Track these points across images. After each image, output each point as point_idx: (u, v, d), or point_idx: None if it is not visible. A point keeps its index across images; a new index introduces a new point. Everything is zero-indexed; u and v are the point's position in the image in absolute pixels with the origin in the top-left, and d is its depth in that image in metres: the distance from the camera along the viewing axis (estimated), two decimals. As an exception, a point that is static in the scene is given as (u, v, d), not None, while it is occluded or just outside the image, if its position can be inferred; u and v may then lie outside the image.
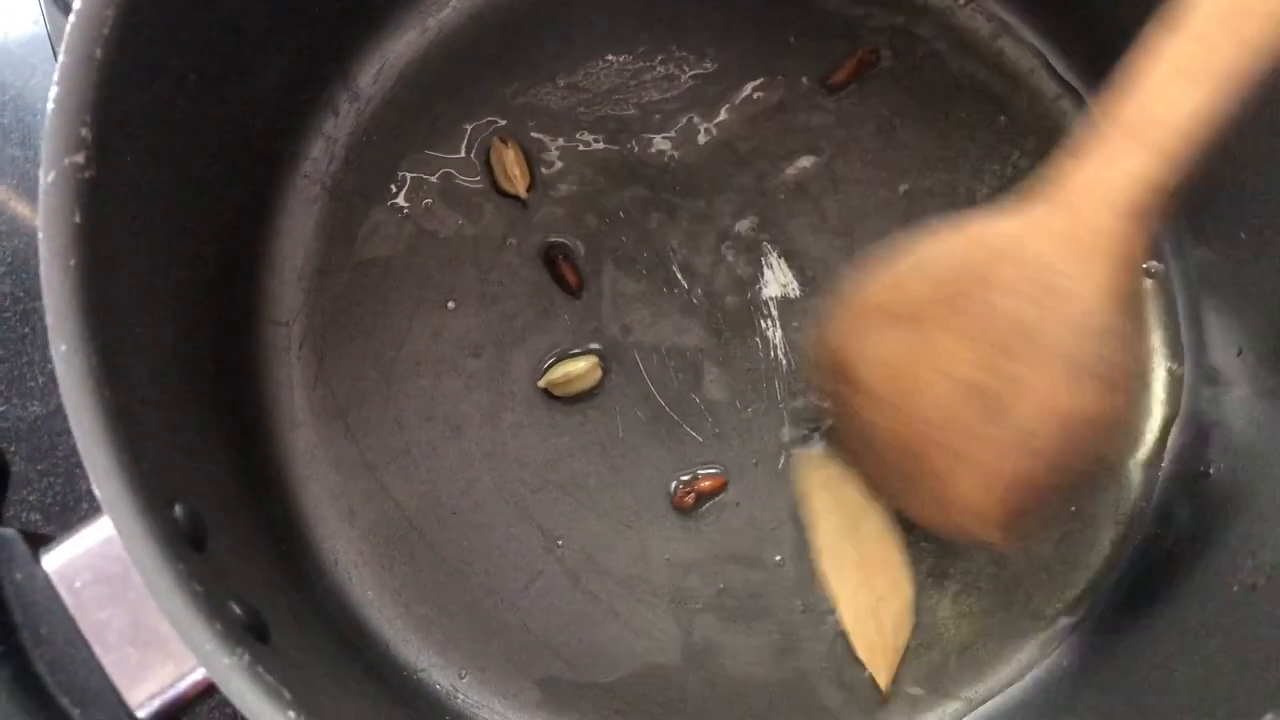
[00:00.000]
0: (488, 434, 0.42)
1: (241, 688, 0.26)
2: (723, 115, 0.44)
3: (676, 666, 0.41)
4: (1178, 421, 0.44)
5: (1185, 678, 0.36)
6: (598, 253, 0.44)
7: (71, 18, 0.28)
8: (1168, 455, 0.43)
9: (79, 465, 0.25)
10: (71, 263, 0.27)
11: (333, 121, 0.43)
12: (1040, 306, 0.33)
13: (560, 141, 0.44)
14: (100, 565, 0.27)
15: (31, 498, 0.45)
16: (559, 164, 0.44)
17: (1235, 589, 0.36)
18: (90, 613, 0.27)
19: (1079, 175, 0.33)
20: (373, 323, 0.43)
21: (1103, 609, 0.42)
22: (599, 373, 0.42)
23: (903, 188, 0.44)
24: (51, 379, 0.29)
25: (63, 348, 0.26)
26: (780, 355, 0.43)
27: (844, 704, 0.41)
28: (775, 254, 0.44)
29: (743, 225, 0.44)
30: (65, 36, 0.27)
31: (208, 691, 0.27)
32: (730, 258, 0.44)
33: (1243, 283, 0.42)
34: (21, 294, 0.47)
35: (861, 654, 0.41)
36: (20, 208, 0.48)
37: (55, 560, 0.27)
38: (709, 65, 0.45)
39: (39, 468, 0.45)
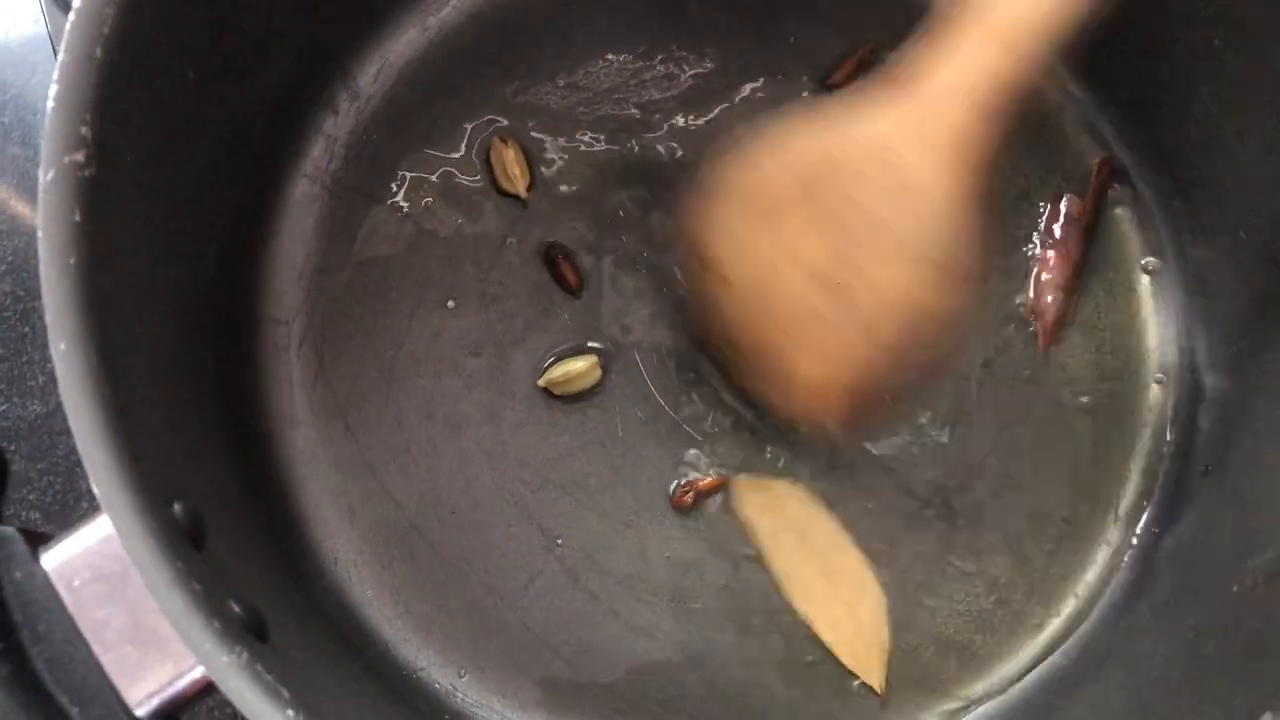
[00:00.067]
0: (487, 433, 0.42)
1: (240, 686, 0.26)
2: (722, 115, 0.44)
3: (676, 666, 0.41)
4: (1177, 421, 0.44)
5: (1185, 678, 0.36)
6: (598, 253, 0.44)
7: (71, 16, 0.28)
8: (1167, 455, 0.44)
9: (79, 464, 0.25)
10: (71, 261, 0.26)
11: (333, 121, 0.43)
12: (890, 198, 0.34)
13: (560, 141, 0.44)
14: (99, 564, 0.27)
15: (31, 496, 0.45)
16: (559, 163, 0.44)
17: (1235, 589, 0.36)
18: (89, 611, 0.27)
19: (933, 70, 0.33)
20: (373, 322, 0.43)
21: (1103, 609, 0.42)
22: (599, 372, 0.42)
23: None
24: (51, 378, 0.29)
25: (62, 346, 0.26)
26: (780, 355, 0.43)
27: (844, 704, 0.41)
28: (775, 253, 0.44)
29: (743, 225, 0.44)
30: (65, 35, 0.27)
31: (206, 690, 0.27)
32: (730, 257, 0.44)
33: (1242, 282, 0.42)
34: (21, 293, 0.47)
35: (849, 664, 0.41)
36: (20, 207, 0.48)
37: (54, 559, 0.27)
38: (709, 65, 0.45)
39: (39, 466, 0.45)
